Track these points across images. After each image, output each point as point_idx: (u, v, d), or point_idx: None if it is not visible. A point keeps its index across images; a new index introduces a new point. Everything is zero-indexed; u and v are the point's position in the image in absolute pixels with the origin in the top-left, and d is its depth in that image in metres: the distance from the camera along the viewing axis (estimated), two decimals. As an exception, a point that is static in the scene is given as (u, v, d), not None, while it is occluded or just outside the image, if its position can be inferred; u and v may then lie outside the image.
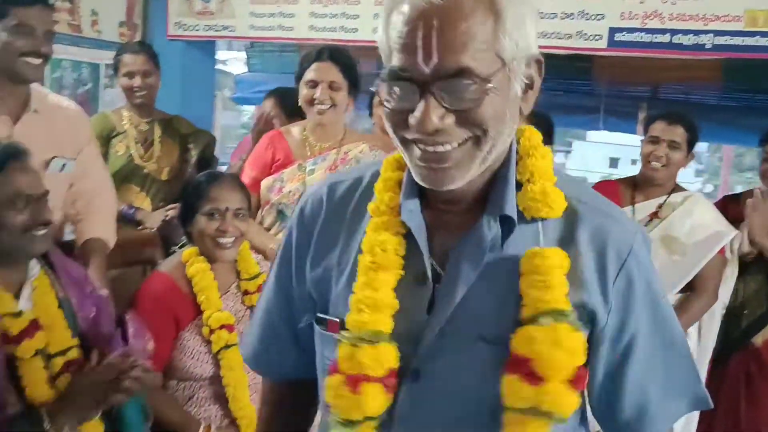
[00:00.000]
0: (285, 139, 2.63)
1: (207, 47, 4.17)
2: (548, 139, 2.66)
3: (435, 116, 0.86)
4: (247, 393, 2.04)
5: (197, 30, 3.89)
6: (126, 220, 2.90)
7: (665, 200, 2.74)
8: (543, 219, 0.95)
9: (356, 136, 2.70)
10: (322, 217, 1.07)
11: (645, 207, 2.75)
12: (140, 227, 2.95)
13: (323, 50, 2.54)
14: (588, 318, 0.95)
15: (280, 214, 2.48)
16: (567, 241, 0.95)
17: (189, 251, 2.13)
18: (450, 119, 0.87)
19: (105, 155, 2.99)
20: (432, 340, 0.95)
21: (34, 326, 1.62)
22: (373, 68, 4.13)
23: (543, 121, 2.67)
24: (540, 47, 0.92)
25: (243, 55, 5.17)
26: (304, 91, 2.52)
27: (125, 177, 3.01)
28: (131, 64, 3.03)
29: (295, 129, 2.66)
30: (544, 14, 3.05)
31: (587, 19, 3.02)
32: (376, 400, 0.94)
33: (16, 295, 1.67)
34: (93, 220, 2.37)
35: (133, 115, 3.09)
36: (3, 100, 2.19)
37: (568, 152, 23.67)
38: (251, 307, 2.16)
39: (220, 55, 4.74)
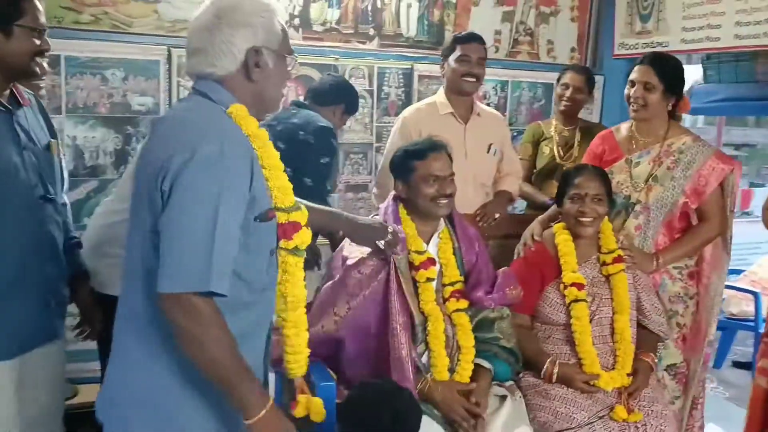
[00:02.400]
0: (614, 136, 2.99)
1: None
2: None
3: None
4: (589, 339, 2.53)
5: (636, 48, 4.35)
6: (546, 209, 3.56)
7: None
8: None
9: (680, 130, 2.90)
10: None
11: None
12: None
13: (647, 56, 2.85)
14: None
15: (612, 202, 2.74)
16: None
17: (558, 225, 2.71)
18: None
19: (535, 156, 3.73)
20: None
21: (430, 261, 2.40)
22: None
23: None
24: None
25: (699, 68, 5.33)
26: (626, 90, 2.84)
27: (548, 173, 3.66)
28: (569, 79, 3.67)
29: (624, 126, 2.99)
30: None
31: None
32: None
33: (427, 242, 2.49)
34: (505, 182, 3.34)
35: (559, 124, 3.73)
36: (456, 109, 3.23)
37: None
38: (608, 276, 2.63)
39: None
